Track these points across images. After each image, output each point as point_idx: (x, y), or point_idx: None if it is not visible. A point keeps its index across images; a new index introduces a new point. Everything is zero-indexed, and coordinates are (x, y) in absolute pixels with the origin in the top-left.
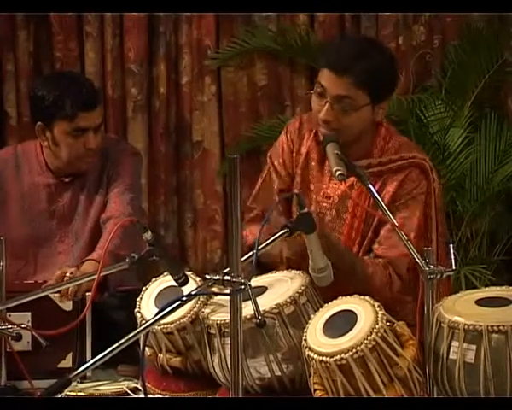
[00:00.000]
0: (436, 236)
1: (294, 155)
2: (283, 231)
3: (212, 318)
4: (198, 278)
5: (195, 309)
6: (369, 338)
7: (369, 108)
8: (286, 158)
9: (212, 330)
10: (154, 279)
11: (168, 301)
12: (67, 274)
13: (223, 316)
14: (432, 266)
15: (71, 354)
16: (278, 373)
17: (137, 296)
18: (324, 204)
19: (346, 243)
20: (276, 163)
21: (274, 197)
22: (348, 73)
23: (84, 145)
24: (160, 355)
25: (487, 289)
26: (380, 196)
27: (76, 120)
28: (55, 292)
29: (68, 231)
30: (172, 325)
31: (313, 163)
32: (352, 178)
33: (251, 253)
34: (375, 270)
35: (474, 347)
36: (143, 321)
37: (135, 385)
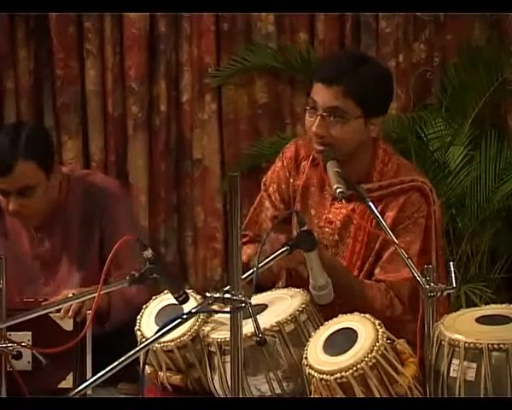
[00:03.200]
0: (436, 257)
1: (292, 180)
2: (283, 249)
3: (213, 336)
4: (198, 296)
5: (196, 327)
6: (369, 356)
7: (361, 121)
8: (282, 184)
9: (212, 348)
10: (154, 297)
11: (168, 319)
12: (69, 296)
13: (223, 334)
14: (432, 284)
15: (71, 374)
16: (279, 391)
17: (137, 314)
18: (327, 229)
19: (347, 266)
20: (270, 190)
21: (266, 224)
22: (337, 83)
23: (6, 207)
24: (161, 373)
25: (488, 306)
26: (382, 215)
27: None
28: (56, 311)
29: (54, 275)
30: (173, 343)
31: (313, 188)
32: (354, 203)
33: (251, 271)
34: (375, 293)
35: (474, 365)
36: (143, 339)
37: None
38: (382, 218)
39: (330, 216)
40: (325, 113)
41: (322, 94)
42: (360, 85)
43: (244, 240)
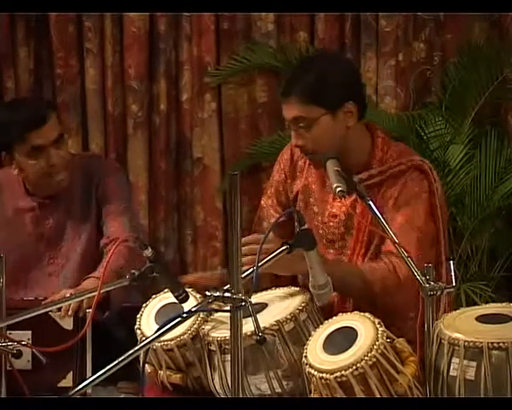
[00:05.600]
0: (443, 235)
1: (289, 181)
2: (283, 248)
3: (213, 334)
4: (198, 295)
5: (196, 326)
6: (369, 355)
7: (329, 117)
8: (279, 187)
9: (212, 347)
10: (154, 296)
11: (168, 318)
12: (67, 295)
13: (223, 333)
14: (432, 283)
15: (71, 372)
16: (279, 390)
17: (137, 313)
18: (331, 224)
19: (350, 257)
20: (269, 193)
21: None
22: (290, 94)
23: (46, 163)
24: (161, 372)
25: (488, 305)
26: (384, 203)
27: (28, 140)
28: (56, 310)
29: (57, 252)
30: (172, 342)
31: (314, 186)
32: (355, 196)
33: (251, 270)
34: (373, 267)
35: (474, 364)
36: (143, 338)
37: None
38: (385, 200)
39: (334, 210)
40: (294, 125)
41: (284, 109)
42: (311, 87)
43: None
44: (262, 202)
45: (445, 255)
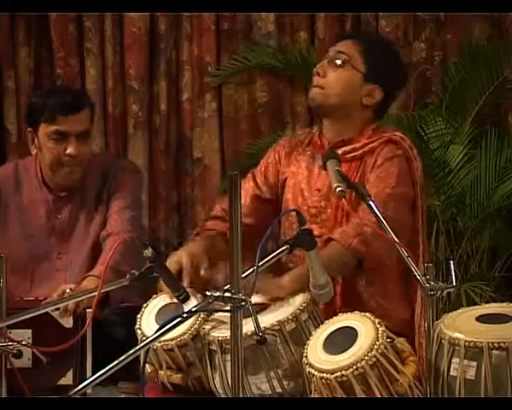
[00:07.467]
0: (421, 214)
1: (280, 166)
2: (283, 248)
3: (214, 334)
4: (199, 295)
5: (196, 326)
6: (369, 355)
7: (359, 76)
8: (269, 167)
9: (213, 347)
10: (154, 296)
11: (169, 318)
12: (67, 291)
13: (224, 332)
14: (432, 283)
15: (71, 371)
16: (279, 390)
17: (138, 313)
18: (315, 198)
19: (331, 229)
20: (256, 172)
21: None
22: (356, 39)
23: (64, 151)
24: (161, 372)
25: (488, 305)
26: (365, 172)
27: (55, 122)
28: (56, 309)
29: (67, 247)
30: (173, 342)
31: (304, 166)
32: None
33: (251, 270)
34: (342, 229)
35: (474, 363)
36: (144, 338)
37: None
38: (365, 170)
39: (318, 185)
40: (331, 57)
41: (340, 44)
42: (372, 46)
43: (214, 213)
44: (246, 178)
45: (422, 233)
